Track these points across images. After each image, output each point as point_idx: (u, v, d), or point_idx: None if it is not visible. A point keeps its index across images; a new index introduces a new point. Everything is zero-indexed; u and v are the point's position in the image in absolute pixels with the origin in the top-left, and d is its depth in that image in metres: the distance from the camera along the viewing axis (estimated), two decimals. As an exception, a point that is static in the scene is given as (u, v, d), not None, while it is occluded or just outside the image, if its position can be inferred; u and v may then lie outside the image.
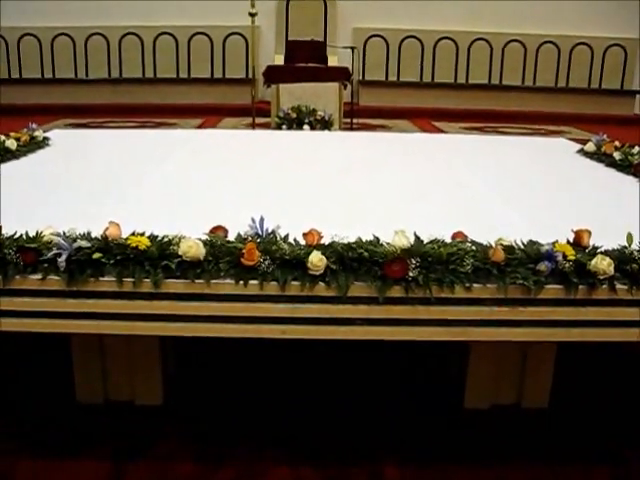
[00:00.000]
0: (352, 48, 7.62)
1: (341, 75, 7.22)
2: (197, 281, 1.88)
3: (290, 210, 2.48)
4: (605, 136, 4.45)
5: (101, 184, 2.91)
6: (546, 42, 12.09)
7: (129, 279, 1.87)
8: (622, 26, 11.93)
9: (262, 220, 2.00)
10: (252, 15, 7.79)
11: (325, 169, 3.36)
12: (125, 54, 11.81)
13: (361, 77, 11.53)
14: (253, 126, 8.31)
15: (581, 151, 4.37)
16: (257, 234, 1.99)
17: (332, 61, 10.78)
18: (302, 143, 4.40)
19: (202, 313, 1.90)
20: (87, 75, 11.85)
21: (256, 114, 8.52)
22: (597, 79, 12.28)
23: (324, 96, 7.17)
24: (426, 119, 10.83)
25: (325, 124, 6.83)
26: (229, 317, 1.90)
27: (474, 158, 3.97)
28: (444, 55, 12.01)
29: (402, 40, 11.94)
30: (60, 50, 11.78)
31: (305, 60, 11.43)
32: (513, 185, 3.18)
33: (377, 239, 2.00)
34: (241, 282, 1.88)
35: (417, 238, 2.01)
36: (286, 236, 2.01)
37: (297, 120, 6.78)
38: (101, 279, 1.88)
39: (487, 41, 12.00)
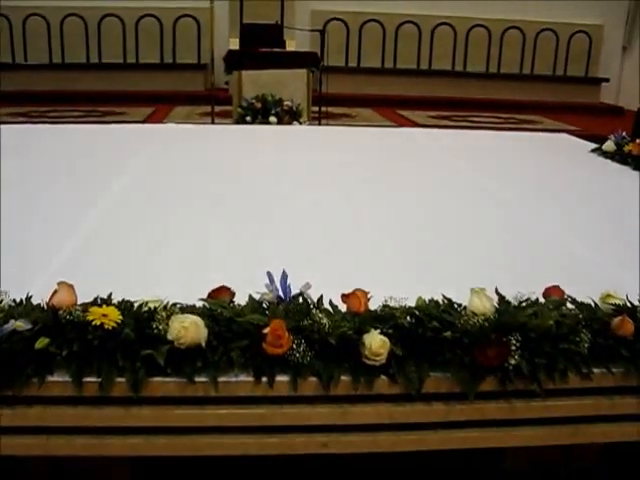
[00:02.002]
0: (320, 31, 6.99)
1: (309, 61, 6.58)
2: (197, 379, 1.26)
3: (293, 248, 1.88)
4: (624, 133, 3.93)
5: (35, 212, 2.23)
6: (511, 27, 11.63)
7: (93, 379, 1.24)
8: (587, 12, 11.53)
9: (285, 277, 1.38)
10: (210, -5, 7.11)
11: (322, 186, 2.73)
12: (67, 37, 10.92)
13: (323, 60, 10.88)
14: (212, 116, 7.63)
15: (597, 150, 3.85)
16: (279, 298, 1.37)
17: (290, 45, 10.12)
18: (281, 145, 3.74)
19: (204, 424, 1.27)
20: (26, 60, 10.95)
21: (211, 102, 7.83)
22: (562, 66, 11.87)
23: (291, 84, 6.53)
24: (390, 108, 10.26)
25: (293, 115, 6.20)
26: (245, 428, 1.28)
27: (485, 161, 3.41)
28: (406, 40, 11.44)
29: (363, 24, 11.33)
30: (-5, 32, 10.86)
31: (261, 45, 10.77)
32: (550, 199, 2.62)
33: (450, 302, 1.40)
34: (264, 379, 1.26)
35: (502, 299, 1.43)
36: (320, 300, 1.39)
37: (262, 111, 6.13)
38: (50, 378, 1.25)
39: (451, 26, 11.47)
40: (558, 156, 3.74)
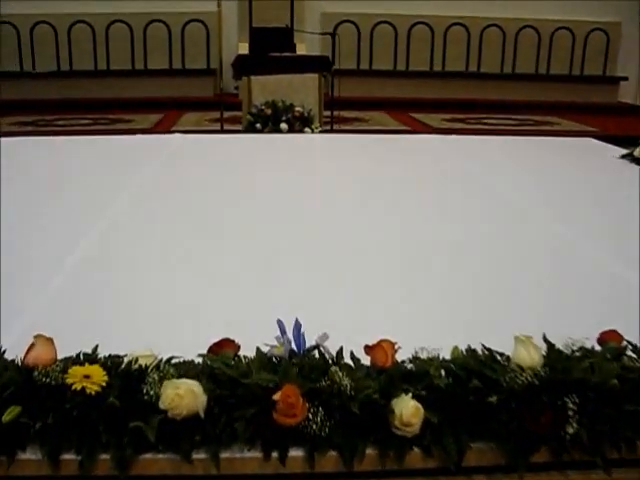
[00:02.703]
0: (331, 34, 6.78)
1: (320, 65, 6.39)
2: (196, 456, 1.06)
3: (306, 285, 1.68)
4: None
5: (17, 242, 2.04)
6: (526, 27, 11.38)
7: (72, 456, 1.05)
8: (604, 10, 11.26)
9: (298, 328, 1.18)
10: (218, -1, 6.93)
11: (336, 207, 2.52)
12: (75, 45, 10.79)
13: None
14: (221, 123, 7.45)
15: (628, 157, 3.62)
16: (291, 352, 1.17)
17: (300, 49, 9.93)
18: (291, 159, 3.52)
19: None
20: (34, 68, 10.81)
21: (223, 107, 7.65)
22: (579, 65, 11.62)
23: (302, 89, 6.33)
24: (404, 110, 10.04)
25: (305, 121, 6.00)
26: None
27: (513, 172, 3.18)
28: (419, 41, 11.22)
29: (374, 26, 11.12)
30: (3, 41, 10.71)
31: (272, 48, 10.58)
32: (588, 217, 2.40)
33: (491, 353, 1.20)
34: (274, 455, 1.06)
35: (552, 348, 1.22)
36: (340, 354, 1.19)
37: (273, 117, 5.94)
38: (21, 456, 1.05)
39: (464, 26, 11.25)
40: (589, 165, 3.51)
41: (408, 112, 10.00)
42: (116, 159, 3.29)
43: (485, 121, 9.52)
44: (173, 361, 1.19)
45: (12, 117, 9.46)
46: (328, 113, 6.98)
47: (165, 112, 9.73)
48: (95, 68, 10.83)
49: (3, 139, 3.77)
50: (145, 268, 1.84)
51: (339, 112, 7.28)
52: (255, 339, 1.21)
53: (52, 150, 3.54)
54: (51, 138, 3.84)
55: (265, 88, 6.23)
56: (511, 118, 9.80)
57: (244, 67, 6.23)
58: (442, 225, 2.26)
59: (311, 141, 3.94)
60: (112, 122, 9.07)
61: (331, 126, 7.06)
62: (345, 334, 1.22)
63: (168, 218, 2.30)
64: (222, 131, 7.25)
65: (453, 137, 4.25)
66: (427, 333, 1.26)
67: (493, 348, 1.22)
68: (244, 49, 10.49)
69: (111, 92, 10.48)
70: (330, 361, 1.16)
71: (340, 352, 1.19)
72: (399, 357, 1.19)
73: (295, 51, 9.84)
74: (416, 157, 3.51)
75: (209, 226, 2.22)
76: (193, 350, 1.21)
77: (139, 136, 3.96)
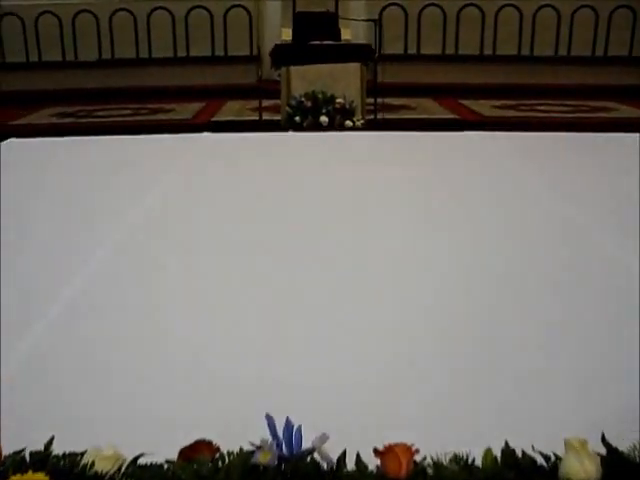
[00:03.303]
0: (374, 21, 6.47)
1: (362, 53, 6.09)
2: None
3: (308, 366, 1.41)
4: None
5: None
6: (582, 7, 10.85)
7: None
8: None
9: (290, 428, 0.92)
10: (256, -15, 6.67)
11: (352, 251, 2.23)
12: (117, 33, 10.66)
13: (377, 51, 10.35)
14: (260, 113, 7.19)
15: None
16: (281, 457, 0.92)
17: (345, 34, 9.62)
18: (323, 171, 3.23)
19: None
20: (76, 57, 10.71)
21: (264, 95, 7.40)
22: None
23: (343, 79, 6.07)
24: (452, 97, 9.67)
25: (347, 114, 5.74)
26: None
27: (567, 184, 2.85)
28: (468, 25, 10.79)
29: (422, 9, 10.73)
30: (45, 30, 10.64)
31: (316, 34, 10.26)
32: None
33: (533, 460, 0.93)
34: None
35: (613, 452, 0.94)
36: (342, 459, 0.93)
37: (313, 109, 5.69)
38: None
39: (516, 7, 10.78)
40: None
41: (457, 98, 9.63)
42: (132, 169, 3.07)
43: (538, 107, 9.09)
44: (140, 462, 0.95)
45: (53, 108, 9.38)
46: (372, 100, 6.69)
47: (207, 100, 9.54)
48: (137, 56, 10.68)
49: (20, 140, 3.59)
50: (122, 341, 1.59)
51: (383, 99, 6.98)
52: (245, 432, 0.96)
53: (65, 154, 3.34)
54: (68, 139, 3.64)
55: (305, 78, 5.98)
56: (565, 104, 9.35)
57: (283, 57, 5.98)
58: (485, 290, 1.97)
59: (349, 145, 3.63)
60: (152, 112, 8.91)
61: (375, 115, 6.76)
62: (353, 426, 0.96)
63: (162, 267, 2.05)
64: (260, 122, 7.01)
65: (503, 134, 3.94)
66: (449, 426, 0.99)
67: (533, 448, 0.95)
68: (287, 35, 10.24)
69: (153, 80, 10.33)
70: (329, 470, 0.90)
71: (343, 457, 0.93)
72: (417, 456, 0.93)
73: (340, 36, 9.55)
74: (463, 168, 3.19)
75: (210, 267, 1.97)
76: (169, 445, 0.97)
77: (166, 136, 3.73)
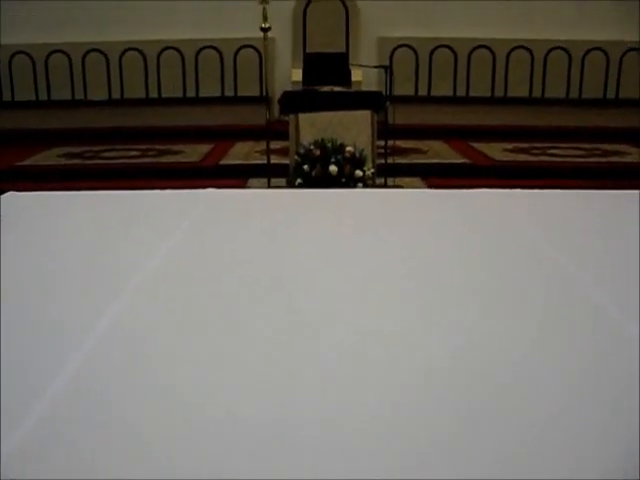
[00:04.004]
0: (385, 67, 6.38)
1: (373, 101, 5.99)
2: None
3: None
4: None
5: None
6: (593, 49, 10.78)
7: None
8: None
9: None
10: (265, 30, 6.60)
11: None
12: (126, 72, 10.65)
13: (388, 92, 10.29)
14: (268, 157, 7.08)
15: None
16: None
17: (356, 75, 9.56)
18: (331, 234, 3.05)
19: None
20: (85, 96, 10.70)
21: (273, 137, 7.31)
22: (650, 89, 10.97)
23: (353, 127, 5.97)
24: (464, 139, 9.57)
25: (356, 163, 5.62)
26: None
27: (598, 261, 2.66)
28: (480, 66, 10.73)
29: (433, 50, 10.68)
30: (55, 69, 10.64)
31: (326, 75, 10.22)
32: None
33: None
34: None
35: None
36: None
37: (322, 159, 5.58)
38: None
39: (528, 49, 10.72)
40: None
41: (468, 141, 9.53)
42: (132, 229, 2.93)
43: (550, 151, 8.98)
44: None
45: (61, 147, 9.34)
46: (382, 142, 6.58)
47: (216, 141, 9.47)
48: (146, 96, 10.66)
49: (16, 194, 3.48)
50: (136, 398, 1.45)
51: (394, 142, 6.87)
52: None
53: (59, 210, 3.22)
54: (64, 194, 3.52)
55: (314, 125, 5.88)
56: (578, 147, 9.24)
57: (291, 104, 5.88)
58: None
59: (356, 207, 3.47)
60: (160, 154, 8.83)
61: (385, 159, 6.66)
62: None
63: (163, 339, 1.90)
64: (268, 165, 6.91)
65: (520, 192, 3.79)
66: None
67: None
68: (297, 75, 10.19)
69: (163, 120, 10.27)
70: None
71: None
72: None
73: (350, 78, 9.50)
74: (478, 235, 3.02)
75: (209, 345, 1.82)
76: None
77: (167, 192, 3.61)
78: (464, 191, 3.89)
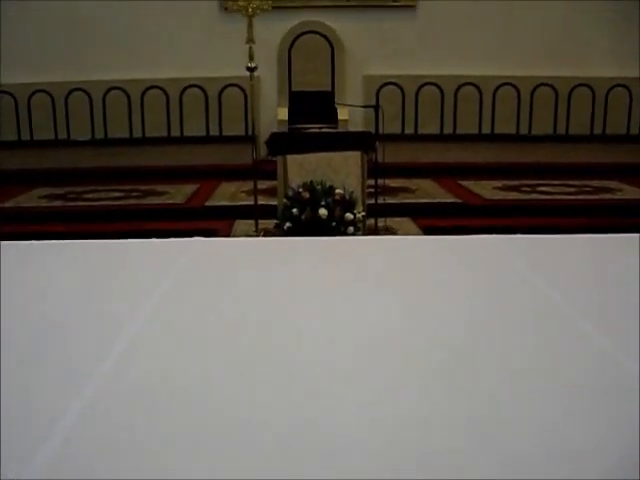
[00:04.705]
0: (374, 107, 6.26)
1: (362, 142, 5.86)
2: None
3: None
4: None
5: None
6: (579, 85, 10.79)
7: None
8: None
9: None
10: (251, 70, 6.48)
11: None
12: (110, 112, 10.51)
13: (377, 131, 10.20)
14: (255, 198, 6.93)
15: None
16: None
17: (343, 114, 9.47)
18: (323, 287, 2.89)
19: None
20: (68, 136, 10.54)
21: (259, 176, 7.18)
22: (637, 124, 10.96)
23: (343, 168, 5.83)
24: (452, 177, 9.46)
25: (347, 206, 5.47)
26: None
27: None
28: (466, 103, 10.69)
29: (419, 87, 10.63)
30: (38, 109, 10.50)
31: (312, 113, 10.12)
32: None
33: None
34: None
35: None
36: None
37: (311, 202, 5.42)
38: None
39: (514, 86, 10.71)
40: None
41: (457, 179, 9.42)
42: (117, 280, 2.75)
43: (540, 189, 8.88)
44: None
45: (43, 188, 9.15)
46: (372, 182, 6.47)
47: (202, 181, 9.31)
48: (130, 135, 10.52)
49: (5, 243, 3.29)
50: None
51: (384, 180, 6.76)
52: None
53: (37, 260, 3.02)
54: (43, 243, 3.32)
55: (302, 167, 5.74)
56: (568, 184, 9.15)
57: (279, 145, 5.74)
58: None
59: (350, 256, 3.31)
60: (144, 195, 8.65)
61: (375, 199, 6.55)
62: None
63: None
64: (256, 207, 6.75)
65: (518, 237, 3.63)
66: None
67: None
68: (283, 114, 10.09)
69: (147, 160, 10.13)
70: None
71: None
72: None
73: (337, 116, 9.41)
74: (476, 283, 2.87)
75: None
76: None
77: (152, 241, 3.42)
78: (459, 237, 3.73)
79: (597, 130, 10.96)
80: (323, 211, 5.26)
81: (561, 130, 10.89)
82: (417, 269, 3.02)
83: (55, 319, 2.27)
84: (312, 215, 5.25)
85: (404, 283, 2.77)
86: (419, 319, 2.29)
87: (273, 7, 8.25)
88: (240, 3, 6.31)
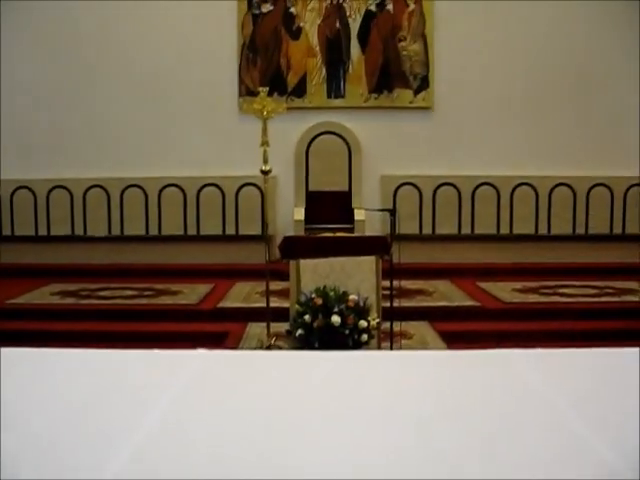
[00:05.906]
0: (390, 211, 6.17)
1: (377, 247, 5.75)
2: None
3: None
4: None
5: None
6: (597, 185, 10.70)
7: None
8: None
9: None
10: (265, 173, 6.45)
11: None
12: (127, 209, 10.53)
13: (392, 236, 10.11)
14: (267, 300, 6.77)
15: None
16: None
17: (359, 215, 9.43)
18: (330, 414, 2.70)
19: None
20: (85, 232, 10.55)
21: (273, 277, 7.09)
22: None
23: (357, 274, 5.70)
24: (470, 278, 9.30)
25: (360, 312, 5.31)
26: None
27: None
28: (484, 203, 10.60)
29: (436, 188, 10.59)
30: (56, 205, 10.55)
31: (329, 214, 10.10)
32: None
33: None
34: None
35: None
36: None
37: (324, 308, 5.27)
38: None
39: (532, 186, 10.63)
40: None
41: (475, 280, 9.25)
42: (108, 402, 2.59)
43: (561, 291, 8.69)
44: None
45: (56, 284, 9.09)
46: (387, 283, 6.31)
47: (216, 280, 9.21)
48: (147, 233, 10.50)
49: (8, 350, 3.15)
50: None
51: (399, 282, 6.59)
52: None
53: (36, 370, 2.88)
54: (48, 351, 3.19)
55: (315, 272, 5.61)
56: (589, 285, 8.96)
57: (292, 250, 5.64)
58: None
59: (361, 371, 3.14)
60: (157, 294, 8.56)
61: (391, 303, 6.36)
62: None
63: None
64: (268, 310, 6.60)
65: (539, 352, 3.45)
66: None
67: None
68: (300, 214, 10.07)
69: (162, 258, 10.09)
70: None
71: None
72: None
73: (353, 217, 9.38)
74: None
75: None
76: None
77: (154, 353, 3.27)
78: (483, 352, 3.54)
79: (616, 230, 10.80)
80: (336, 318, 5.11)
81: (580, 230, 10.74)
82: (424, 396, 2.83)
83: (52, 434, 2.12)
84: (324, 322, 5.10)
85: (408, 413, 2.58)
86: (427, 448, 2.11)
87: (291, 108, 8.36)
88: (255, 106, 6.32)
